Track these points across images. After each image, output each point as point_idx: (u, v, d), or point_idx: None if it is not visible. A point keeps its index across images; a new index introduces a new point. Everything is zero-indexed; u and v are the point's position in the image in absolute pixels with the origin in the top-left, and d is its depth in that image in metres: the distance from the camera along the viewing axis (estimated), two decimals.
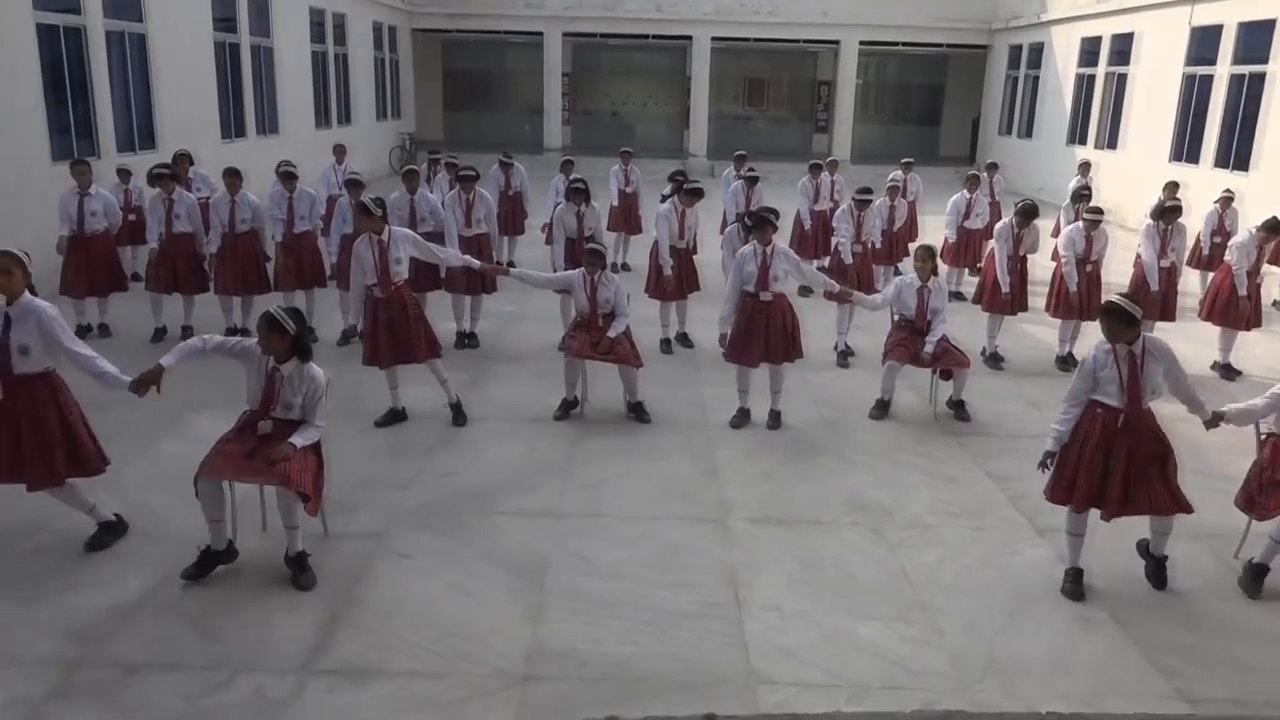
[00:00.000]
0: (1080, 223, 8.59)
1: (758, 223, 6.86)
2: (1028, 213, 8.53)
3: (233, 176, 8.60)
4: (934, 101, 29.62)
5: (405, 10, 24.80)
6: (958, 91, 28.55)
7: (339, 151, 12.08)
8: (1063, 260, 8.60)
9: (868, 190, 9.11)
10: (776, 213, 7.30)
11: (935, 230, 13.23)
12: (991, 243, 9.08)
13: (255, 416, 4.81)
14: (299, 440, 4.68)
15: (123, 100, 11.75)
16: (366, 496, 5.70)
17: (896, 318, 7.54)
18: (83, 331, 8.80)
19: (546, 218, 11.54)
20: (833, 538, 5.42)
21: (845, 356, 8.82)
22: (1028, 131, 23.32)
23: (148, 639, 4.23)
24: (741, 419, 7.09)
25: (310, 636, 4.29)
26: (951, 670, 4.21)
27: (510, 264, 12.15)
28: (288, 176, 8.78)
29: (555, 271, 8.60)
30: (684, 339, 9.17)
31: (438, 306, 9.38)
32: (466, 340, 8.93)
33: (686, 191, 8.61)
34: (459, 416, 6.93)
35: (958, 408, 7.35)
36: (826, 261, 12.25)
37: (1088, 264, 8.58)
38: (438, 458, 6.36)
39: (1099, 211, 8.52)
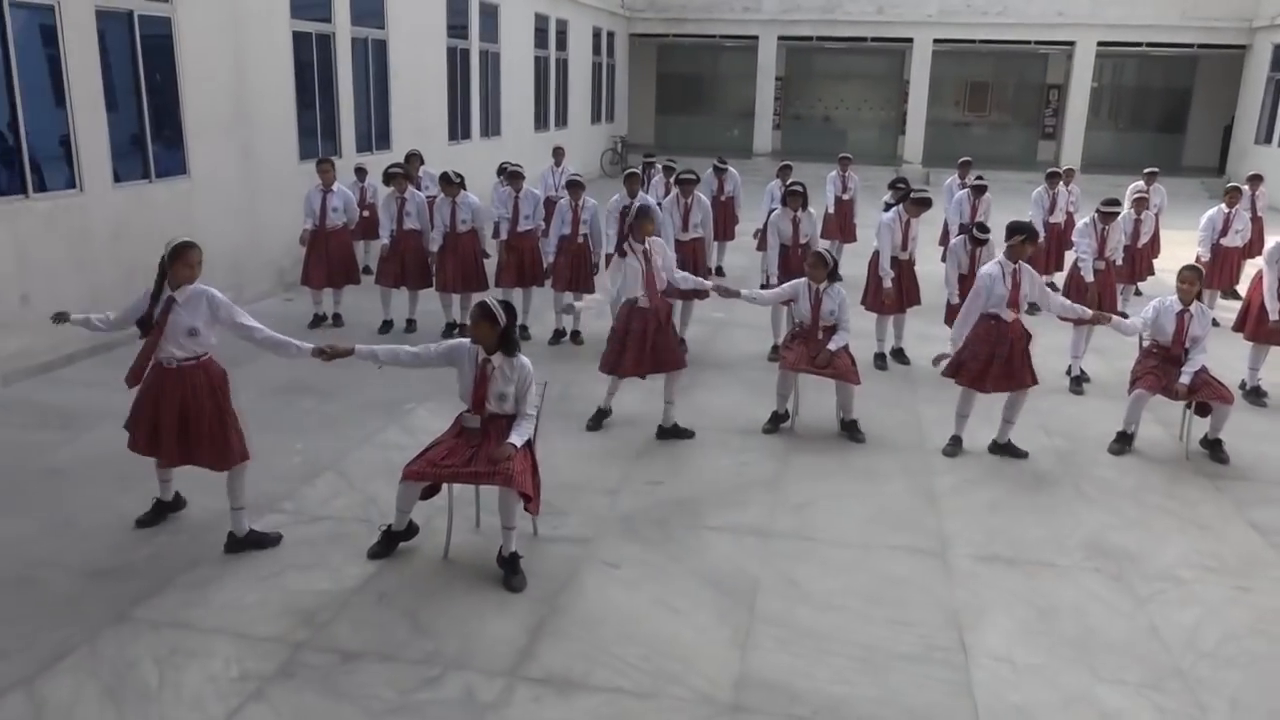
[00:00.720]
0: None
1: (1024, 233, 6.40)
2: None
3: (448, 184, 8.85)
4: (1179, 106, 27.26)
5: (624, 16, 25.24)
6: (1207, 96, 26.14)
7: (558, 154, 12.33)
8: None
9: (1114, 201, 8.33)
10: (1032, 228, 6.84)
11: (1178, 246, 12.10)
12: (1259, 262, 8.11)
13: (470, 413, 4.84)
14: (517, 438, 4.69)
15: (363, 103, 12.46)
16: (574, 501, 5.68)
17: (1148, 343, 6.84)
18: (318, 320, 9.37)
19: (758, 223, 11.36)
20: (1070, 584, 4.93)
21: (1079, 382, 8.12)
22: None
23: (366, 627, 4.34)
24: (955, 448, 6.63)
25: (520, 639, 4.27)
26: None
27: (719, 270, 12.07)
28: (515, 176, 9.00)
29: (768, 277, 8.40)
30: (900, 355, 8.73)
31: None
32: (678, 346, 8.84)
33: (913, 201, 8.17)
34: (665, 434, 6.80)
35: (1214, 447, 6.59)
36: (1058, 278, 11.46)
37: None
38: (645, 465, 6.28)
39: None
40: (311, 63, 11.23)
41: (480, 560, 4.96)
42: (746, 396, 7.68)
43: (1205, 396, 6.47)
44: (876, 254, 8.36)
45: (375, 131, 12.87)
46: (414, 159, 10.82)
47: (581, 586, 4.74)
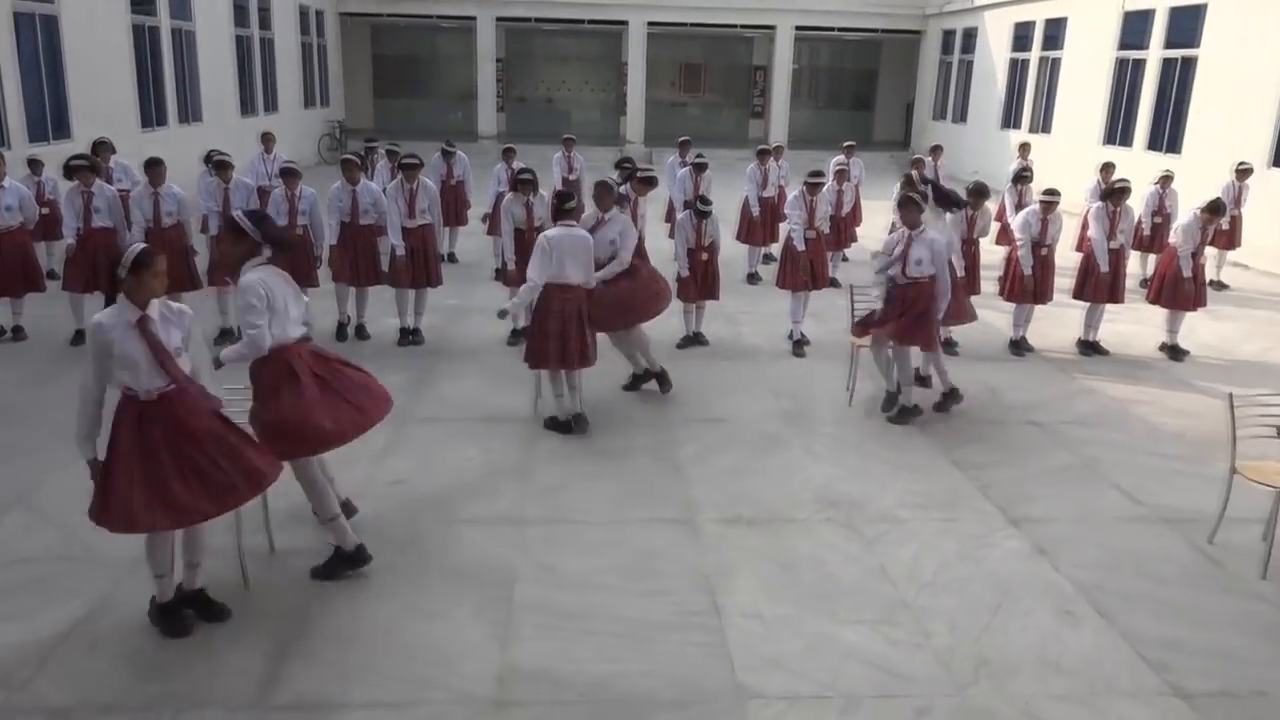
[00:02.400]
0: (1036, 205, 8.53)
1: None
2: (979, 192, 8.45)
3: (155, 167, 8.09)
4: (868, 86, 29.78)
5: None
6: (891, 76, 28.73)
7: (268, 140, 11.55)
8: (1018, 244, 8.54)
9: (819, 173, 8.93)
10: None
11: (876, 214, 13.19)
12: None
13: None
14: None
15: (34, 87, 11.05)
16: (309, 511, 5.33)
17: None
18: None
19: (487, 208, 11.21)
20: (807, 536, 5.24)
21: (801, 345, 8.65)
22: (961, 116, 23.51)
23: (77, 679, 3.85)
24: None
25: (260, 668, 3.95)
26: (943, 674, 4.05)
27: (451, 257, 11.81)
28: (222, 165, 8.30)
29: (504, 263, 8.30)
30: None
31: (379, 302, 9.02)
32: (410, 337, 8.56)
33: (640, 180, 8.33)
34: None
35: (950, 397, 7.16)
36: (774, 249, 12.17)
37: (1043, 247, 8.54)
38: (387, 465, 6.02)
39: (1055, 193, 8.47)
40: None
41: (211, 587, 4.53)
42: (489, 383, 7.57)
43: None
44: None
45: (51, 119, 11.46)
46: (104, 148, 9.76)
47: (328, 601, 4.46)
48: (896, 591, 4.69)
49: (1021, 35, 20.48)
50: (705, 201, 8.22)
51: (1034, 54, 19.90)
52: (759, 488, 5.84)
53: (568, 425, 6.56)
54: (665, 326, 9.01)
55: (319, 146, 22.55)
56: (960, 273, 8.47)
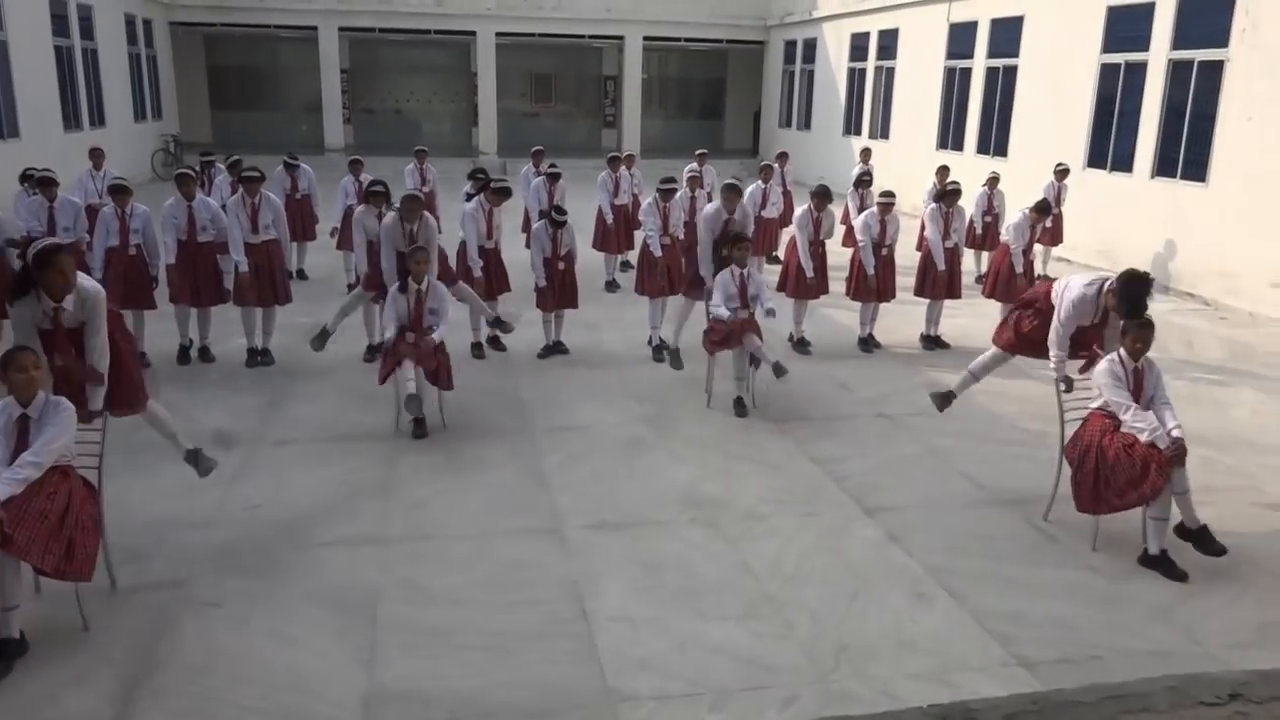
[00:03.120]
0: (875, 208, 8.93)
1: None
2: (824, 194, 8.78)
3: None
4: (716, 96, 30.49)
5: (161, 2, 22.90)
6: (739, 86, 29.50)
7: (96, 156, 10.91)
8: (859, 245, 8.91)
9: (671, 179, 9.10)
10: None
11: None
12: (791, 230, 9.29)
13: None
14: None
15: None
16: (160, 541, 5.08)
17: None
18: None
19: (335, 221, 10.90)
20: (672, 537, 5.32)
21: (660, 351, 8.77)
22: (806, 124, 24.35)
23: None
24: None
25: (107, 711, 3.73)
26: (806, 663, 4.18)
27: (301, 273, 11.42)
28: (46, 182, 7.79)
29: (357, 277, 8.09)
30: (495, 342, 8.85)
31: (222, 322, 8.64)
32: (260, 357, 8.23)
33: (494, 190, 8.29)
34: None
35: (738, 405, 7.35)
36: (630, 256, 12.30)
37: (883, 247, 8.94)
38: (240, 489, 5.78)
39: (891, 195, 8.88)
40: None
41: (46, 629, 4.25)
42: (345, 401, 7.37)
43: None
44: (464, 244, 8.37)
45: None
46: None
47: (179, 635, 4.24)
48: (760, 586, 4.82)
49: (858, 45, 21.38)
50: (560, 211, 8.25)
51: (870, 64, 20.81)
52: (623, 492, 5.89)
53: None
54: (525, 336, 9.01)
55: (153, 161, 21.44)
56: (809, 274, 8.80)
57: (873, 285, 8.88)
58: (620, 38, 26.09)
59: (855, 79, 21.61)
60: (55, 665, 4.02)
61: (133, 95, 20.78)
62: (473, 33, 25.29)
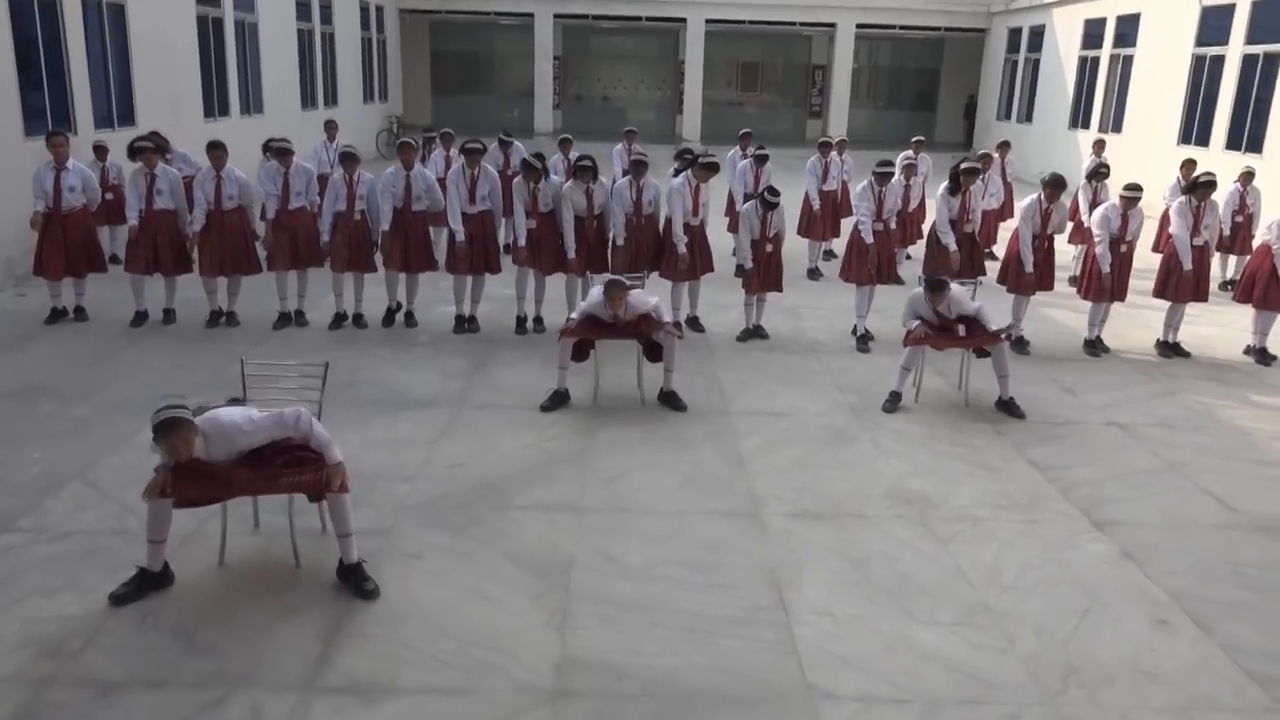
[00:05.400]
0: (1116, 200, 8.16)
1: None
2: (1057, 184, 8.10)
3: (218, 150, 8.07)
4: (929, 86, 29.26)
5: None
6: (953, 76, 28.20)
7: (331, 128, 11.54)
8: (1096, 240, 8.17)
9: (888, 163, 8.64)
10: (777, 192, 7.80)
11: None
12: (1014, 222, 8.65)
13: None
14: (333, 452, 4.14)
15: (100, 74, 11.16)
16: (368, 490, 5.21)
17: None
18: (56, 315, 8.28)
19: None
20: (878, 532, 4.99)
21: (865, 341, 8.38)
22: (1027, 116, 22.94)
23: (127, 653, 3.75)
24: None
25: (314, 647, 3.82)
26: (1030, 681, 3.78)
27: (507, 248, 11.67)
28: (282, 152, 8.25)
29: (564, 247, 8.13)
30: (695, 323, 8.71)
31: (431, 290, 8.92)
32: (467, 324, 8.44)
33: (702, 166, 8.12)
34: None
35: (1008, 407, 6.81)
36: (833, 244, 11.89)
37: (1122, 244, 8.17)
38: (444, 448, 5.89)
39: (1138, 188, 8.08)
40: (34, 25, 9.91)
41: (263, 564, 4.45)
42: (545, 370, 7.37)
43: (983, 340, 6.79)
44: (669, 221, 8.26)
45: (117, 106, 11.57)
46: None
47: (382, 582, 4.31)
48: (976, 593, 4.43)
49: (1092, 32, 19.89)
50: (773, 192, 7.98)
51: (1105, 51, 19.31)
52: (826, 482, 5.60)
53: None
54: (725, 319, 8.84)
55: (377, 141, 22.65)
56: (1029, 269, 8.13)
57: (1107, 284, 8.13)
58: (832, 25, 25.43)
59: (1087, 68, 20.12)
60: (270, 597, 4.17)
61: (363, 77, 22.03)
62: (683, 19, 25.31)
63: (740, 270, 8.35)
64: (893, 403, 6.86)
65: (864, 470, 5.79)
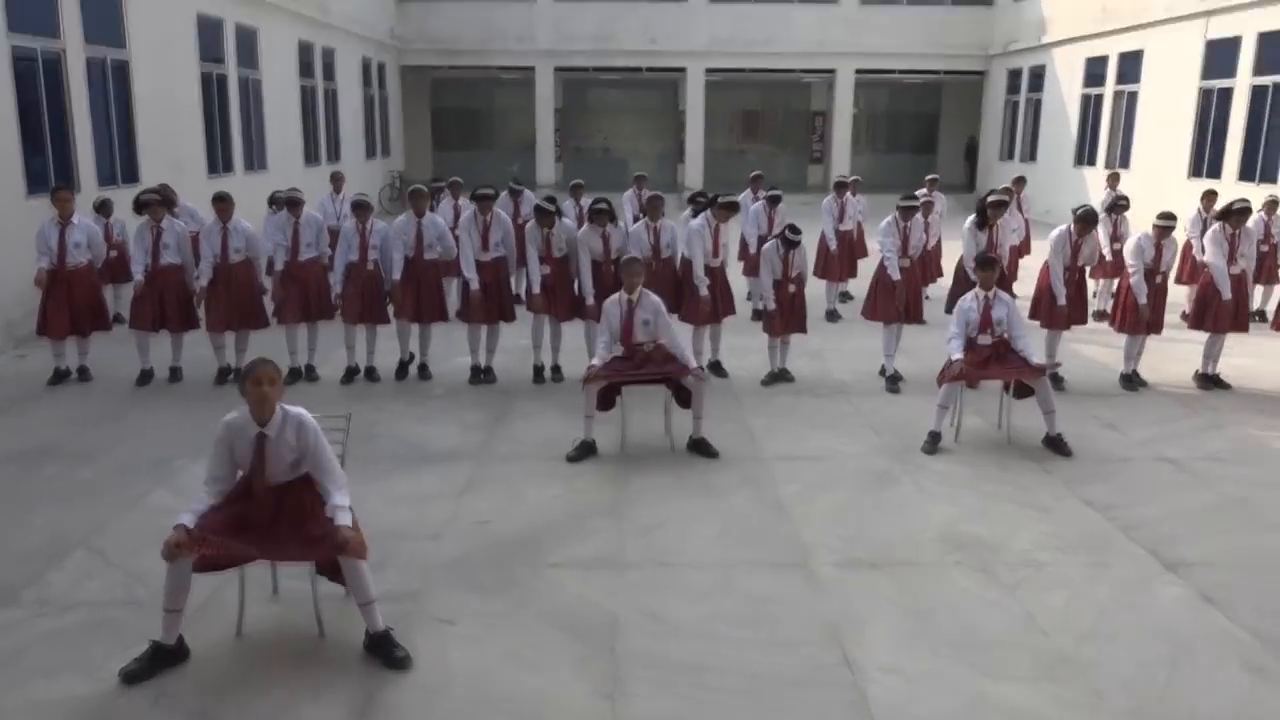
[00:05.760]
0: (1150, 230, 7.95)
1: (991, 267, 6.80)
2: (1088, 219, 7.90)
3: (224, 202, 7.87)
4: (928, 129, 29.32)
5: (394, 46, 24.31)
6: (953, 119, 28.27)
7: (337, 180, 11.41)
8: (1130, 271, 7.94)
9: (913, 197, 8.42)
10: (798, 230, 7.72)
11: (948, 255, 12.60)
12: (1032, 259, 8.44)
13: (253, 485, 3.96)
14: (344, 515, 3.89)
15: (104, 131, 11.05)
16: (392, 550, 4.91)
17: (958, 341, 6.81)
18: (59, 377, 8.02)
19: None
20: (937, 581, 4.68)
21: (895, 381, 8.11)
22: (1031, 155, 22.91)
23: None
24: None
25: None
26: None
27: (517, 298, 11.47)
28: (294, 202, 8.07)
29: (583, 296, 7.90)
30: (717, 368, 8.44)
31: (444, 342, 8.66)
32: (483, 375, 8.18)
33: (721, 206, 7.93)
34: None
35: (1055, 444, 6.49)
36: (849, 285, 11.67)
37: (1157, 274, 7.94)
38: (470, 503, 5.59)
39: (1171, 217, 7.87)
40: (37, 84, 9.80)
41: (284, 634, 4.13)
42: (567, 420, 7.11)
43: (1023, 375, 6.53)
44: (687, 263, 8.04)
45: (120, 164, 11.43)
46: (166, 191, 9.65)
47: (414, 649, 3.99)
48: (1052, 643, 4.11)
49: (1094, 71, 19.92)
50: (795, 230, 7.78)
51: (1109, 89, 19.32)
52: (873, 528, 5.29)
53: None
54: (746, 363, 8.59)
55: (380, 197, 22.57)
56: (1061, 301, 7.90)
57: (1145, 316, 7.89)
58: (832, 71, 25.53)
59: (1090, 106, 20.12)
60: (293, 672, 3.85)
61: (365, 133, 22.04)
62: (683, 69, 25.41)
63: (761, 313, 8.13)
64: (932, 443, 6.57)
65: (912, 515, 5.49)
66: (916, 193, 11.19)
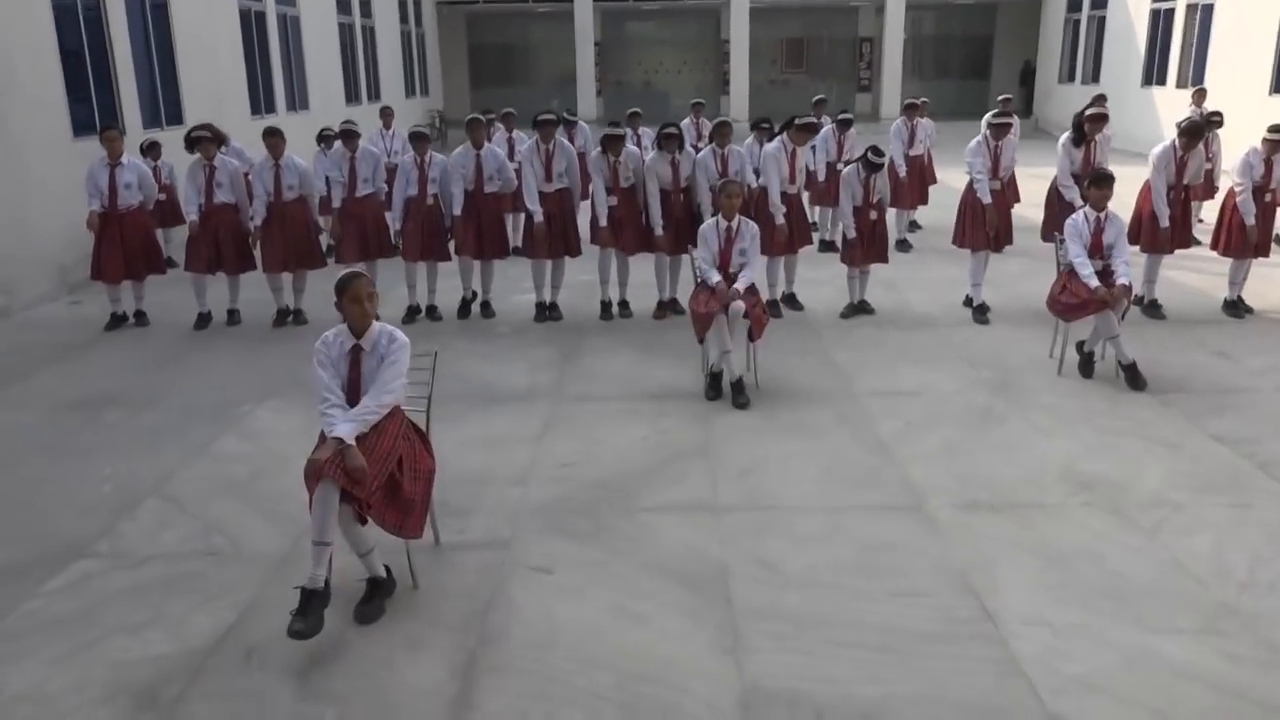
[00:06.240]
0: (1258, 145, 7.37)
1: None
2: (1193, 131, 7.31)
3: (275, 137, 7.54)
4: (981, 54, 28.19)
5: None
6: (1006, 42, 27.13)
7: (386, 115, 11.03)
8: (1237, 189, 7.39)
9: (1005, 113, 7.85)
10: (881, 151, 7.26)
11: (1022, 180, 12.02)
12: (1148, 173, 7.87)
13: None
14: (346, 427, 3.48)
15: (145, 71, 10.72)
16: (476, 496, 4.64)
17: (1065, 266, 6.36)
18: (116, 321, 7.80)
19: None
20: (1068, 524, 4.31)
21: (983, 312, 7.65)
22: (1094, 77, 21.87)
23: (234, 699, 3.19)
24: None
25: (449, 685, 3.23)
26: None
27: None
28: (349, 135, 7.72)
29: (652, 224, 7.49)
30: (793, 300, 8.04)
31: (503, 279, 8.33)
32: (549, 312, 7.84)
33: (799, 128, 7.45)
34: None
35: (1130, 372, 6.08)
36: (922, 213, 11.14)
37: (1266, 192, 7.38)
38: (550, 446, 5.29)
39: None
40: (78, 21, 9.46)
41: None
42: (642, 357, 6.80)
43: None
44: (763, 190, 7.59)
45: (164, 106, 11.12)
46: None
47: (512, 602, 3.72)
48: (1209, 593, 3.74)
49: None
50: (878, 152, 7.27)
51: (1180, 2, 18.27)
52: (988, 467, 4.92)
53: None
54: (820, 296, 8.18)
55: None
56: (1164, 223, 7.37)
57: (1252, 237, 7.34)
58: None
59: (1160, 21, 19.08)
60: (387, 625, 3.59)
61: (404, 72, 21.55)
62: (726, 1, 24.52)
63: (827, 243, 7.69)
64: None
65: (1027, 453, 5.10)
66: (987, 116, 10.65)
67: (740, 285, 5.92)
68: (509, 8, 25.55)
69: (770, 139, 8.22)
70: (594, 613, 3.65)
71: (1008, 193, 7.99)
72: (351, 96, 17.73)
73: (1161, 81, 18.89)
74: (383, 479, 3.50)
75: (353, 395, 3.67)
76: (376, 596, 3.67)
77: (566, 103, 25.71)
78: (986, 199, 7.50)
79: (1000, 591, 3.75)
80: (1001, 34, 27.46)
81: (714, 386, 5.95)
